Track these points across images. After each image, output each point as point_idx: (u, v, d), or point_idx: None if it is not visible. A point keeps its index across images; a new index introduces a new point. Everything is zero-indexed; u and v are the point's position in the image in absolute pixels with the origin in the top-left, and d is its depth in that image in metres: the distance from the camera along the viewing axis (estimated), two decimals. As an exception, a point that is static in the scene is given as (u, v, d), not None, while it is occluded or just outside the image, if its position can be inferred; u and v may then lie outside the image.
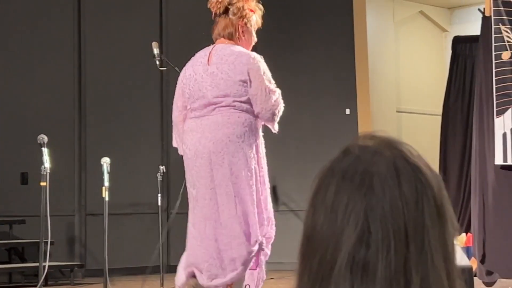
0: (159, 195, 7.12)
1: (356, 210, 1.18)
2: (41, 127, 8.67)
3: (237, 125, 4.87)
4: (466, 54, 9.04)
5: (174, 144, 5.26)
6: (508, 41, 7.42)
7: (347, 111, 9.44)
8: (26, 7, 8.95)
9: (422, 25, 10.54)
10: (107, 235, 6.89)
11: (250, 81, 4.91)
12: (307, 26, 9.43)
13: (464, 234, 8.29)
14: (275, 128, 5.04)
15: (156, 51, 7.58)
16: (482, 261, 7.40)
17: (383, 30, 9.91)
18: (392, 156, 1.22)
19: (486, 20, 7.57)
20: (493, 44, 7.42)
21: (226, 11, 5.07)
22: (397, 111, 9.91)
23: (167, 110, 9.26)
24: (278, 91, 4.97)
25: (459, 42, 9.19)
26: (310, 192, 1.26)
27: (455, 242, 1.26)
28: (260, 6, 5.17)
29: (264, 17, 9.33)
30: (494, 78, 7.38)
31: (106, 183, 6.63)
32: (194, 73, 5.11)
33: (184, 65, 8.24)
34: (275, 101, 4.90)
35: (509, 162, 7.32)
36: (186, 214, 8.75)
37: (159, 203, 7.14)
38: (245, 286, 4.97)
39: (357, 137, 1.30)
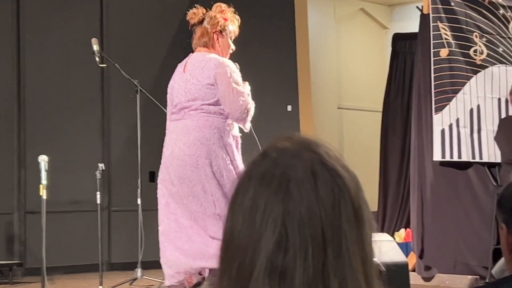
0: (98, 193, 7.06)
1: (274, 215, 1.18)
2: (-21, 124, 8.57)
3: (205, 128, 5.18)
4: (406, 51, 9.10)
5: None
6: (446, 39, 7.51)
7: (289, 108, 9.46)
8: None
9: (363, 22, 10.61)
10: (46, 233, 6.80)
11: (217, 84, 5.23)
12: (248, 23, 9.41)
13: (403, 229, 8.37)
14: (246, 127, 5.33)
15: (95, 47, 7.54)
16: (421, 256, 7.49)
17: (324, 27, 9.95)
18: (310, 159, 1.22)
19: (424, 18, 7.65)
20: (432, 42, 7.50)
21: (201, 21, 5.51)
22: (339, 108, 9.96)
23: (107, 107, 9.19)
24: (247, 92, 5.28)
25: (399, 39, 9.26)
26: (230, 196, 1.26)
27: (373, 244, 1.27)
28: (237, 16, 5.54)
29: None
30: (432, 75, 7.46)
31: (44, 181, 6.55)
32: (174, 82, 5.53)
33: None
34: (243, 101, 5.18)
35: (447, 158, 7.41)
36: (125, 211, 8.80)
37: (98, 201, 7.09)
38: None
39: (276, 139, 1.29)
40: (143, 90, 7.67)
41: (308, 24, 9.62)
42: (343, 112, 10.02)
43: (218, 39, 5.46)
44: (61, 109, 8.88)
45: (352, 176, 1.25)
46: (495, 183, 7.27)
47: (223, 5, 5.53)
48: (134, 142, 7.78)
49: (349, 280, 1.20)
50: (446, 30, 7.51)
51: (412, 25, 8.57)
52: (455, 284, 7.16)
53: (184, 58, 5.61)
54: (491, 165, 7.47)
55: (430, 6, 7.52)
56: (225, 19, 5.44)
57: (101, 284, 6.84)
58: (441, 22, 7.51)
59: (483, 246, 7.00)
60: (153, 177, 8.89)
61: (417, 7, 7.95)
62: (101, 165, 7.13)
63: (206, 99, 5.25)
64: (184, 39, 9.60)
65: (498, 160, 7.34)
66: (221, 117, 5.26)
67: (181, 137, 5.24)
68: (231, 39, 5.51)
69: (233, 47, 5.52)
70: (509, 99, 7.42)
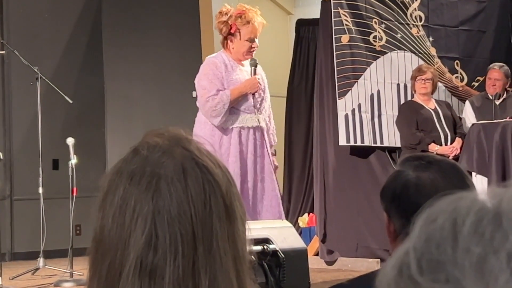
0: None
1: (144, 213, 1.17)
2: None
3: (198, 123, 5.66)
4: (309, 37, 9.16)
5: None
6: (346, 25, 7.60)
7: (194, 94, 9.42)
8: None
9: (266, 8, 10.60)
10: None
11: None
12: (152, 7, 9.36)
13: (307, 214, 8.45)
14: (214, 123, 5.59)
15: (-6, 34, 7.41)
16: (323, 240, 7.59)
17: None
18: (181, 156, 1.21)
19: (325, 4, 7.72)
20: (333, 28, 7.58)
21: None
22: (243, 93, 9.96)
23: (9, 94, 9.03)
24: (219, 98, 5.53)
25: (302, 25, 9.31)
26: (100, 193, 1.24)
27: (246, 239, 1.27)
28: (255, 18, 5.69)
29: (109, 2, 9.22)
30: (335, 61, 7.54)
31: None
32: None
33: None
34: (210, 107, 5.52)
35: (351, 143, 7.51)
36: (28, 200, 8.67)
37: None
38: None
39: (147, 135, 1.29)
40: (44, 77, 7.56)
41: (212, 9, 9.59)
42: (248, 97, 10.02)
43: (232, 41, 5.70)
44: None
45: (224, 172, 1.25)
46: (395, 167, 7.39)
47: (243, 8, 5.72)
48: (35, 130, 7.66)
49: (220, 277, 1.20)
50: (346, 16, 7.60)
51: (315, 11, 8.61)
52: (356, 267, 7.28)
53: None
54: (391, 150, 7.61)
55: (331, -7, 7.59)
56: (233, 24, 5.64)
57: (0, 275, 6.72)
58: (342, 8, 7.59)
59: (384, 229, 7.11)
60: (56, 165, 8.79)
61: (319, -7, 8.01)
62: (0, 154, 6.99)
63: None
64: (87, 25, 9.52)
65: (398, 144, 7.48)
66: None
67: None
68: (249, 40, 5.65)
69: (255, 45, 5.68)
70: (410, 84, 7.55)
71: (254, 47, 5.69)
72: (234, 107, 5.62)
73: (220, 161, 1.27)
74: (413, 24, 7.86)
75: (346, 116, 7.50)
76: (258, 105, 5.69)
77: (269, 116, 5.93)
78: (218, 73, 5.62)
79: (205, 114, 5.62)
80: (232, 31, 5.66)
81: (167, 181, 1.19)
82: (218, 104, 5.52)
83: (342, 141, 7.47)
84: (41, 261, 7.25)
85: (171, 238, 1.16)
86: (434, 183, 2.08)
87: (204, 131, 5.59)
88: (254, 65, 5.71)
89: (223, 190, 1.22)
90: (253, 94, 5.63)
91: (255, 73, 5.69)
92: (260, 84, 5.67)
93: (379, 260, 7.23)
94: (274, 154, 5.93)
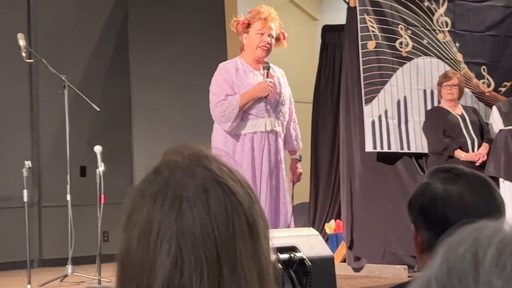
0: (25, 190, 6.99)
1: (168, 236, 1.18)
2: None
3: (214, 130, 5.67)
4: (335, 43, 9.13)
5: None
6: (372, 31, 7.59)
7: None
8: None
9: (292, 14, 10.64)
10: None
11: None
12: (178, 14, 9.39)
13: (333, 221, 8.43)
14: (225, 129, 5.58)
15: (22, 43, 7.45)
16: (350, 247, 7.56)
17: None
18: (202, 176, 1.21)
19: (351, 11, 7.71)
20: (359, 34, 7.57)
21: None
22: (269, 99, 9.96)
23: (36, 102, 9.09)
24: (227, 103, 5.51)
25: (328, 31, 9.28)
26: (123, 215, 1.25)
27: (270, 254, 1.28)
28: (268, 14, 5.68)
29: (135, 6, 9.27)
30: (361, 67, 7.53)
31: (-31, 180, 6.47)
32: None
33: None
34: (218, 113, 5.51)
35: (378, 149, 7.50)
36: (56, 207, 8.72)
37: (25, 199, 7.02)
38: None
39: (167, 153, 1.29)
40: (71, 85, 7.61)
41: (237, 14, 9.61)
42: (274, 103, 10.02)
43: (246, 39, 5.71)
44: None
45: (246, 189, 1.25)
46: (422, 174, 7.37)
47: (257, 9, 5.76)
48: (63, 138, 7.71)
49: (246, 295, 1.21)
50: (372, 22, 7.59)
51: (341, 17, 8.60)
52: (384, 274, 7.26)
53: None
54: (418, 156, 7.59)
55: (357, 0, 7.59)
56: (243, 22, 5.67)
57: (29, 282, 6.76)
58: (368, 14, 7.58)
59: (411, 235, 7.08)
60: (84, 171, 8.84)
61: (344, 0, 8.01)
62: (28, 163, 7.04)
63: None
64: (113, 33, 9.57)
65: (425, 150, 7.45)
66: None
67: None
68: (262, 34, 5.63)
69: (265, 39, 5.63)
70: (437, 90, 7.52)
71: (265, 41, 5.62)
72: (245, 112, 5.56)
73: (241, 177, 1.27)
74: (439, 30, 7.84)
75: (373, 122, 7.48)
76: (272, 109, 5.63)
77: (292, 121, 5.88)
78: (228, 78, 5.60)
79: (215, 119, 5.61)
80: (244, 24, 5.65)
81: (189, 203, 1.19)
82: (226, 109, 5.50)
83: (369, 148, 7.46)
84: (69, 268, 7.28)
85: (196, 260, 1.17)
86: (462, 196, 2.07)
87: (218, 138, 5.60)
88: (266, 68, 5.64)
89: (245, 208, 1.22)
90: (265, 98, 5.57)
91: (267, 76, 5.62)
92: (272, 87, 5.59)
93: (406, 266, 7.21)
94: (299, 160, 5.89)
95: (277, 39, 5.74)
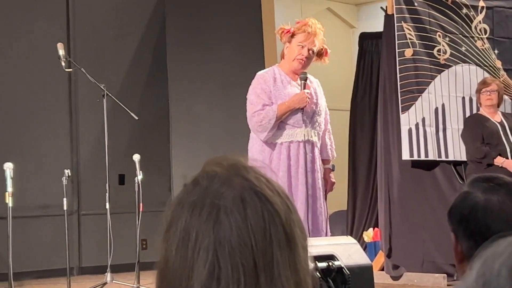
0: (65, 199, 7.06)
1: (205, 245, 1.19)
2: None
3: (251, 139, 5.69)
4: (373, 51, 9.12)
5: None
6: (410, 39, 7.56)
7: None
8: None
9: (330, 22, 10.63)
10: (16, 239, 6.78)
11: None
12: (215, 23, 9.43)
13: (371, 229, 8.40)
14: (261, 138, 5.58)
15: (61, 52, 7.51)
16: (389, 255, 7.53)
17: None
18: (239, 186, 1.22)
19: (388, 18, 7.70)
20: (396, 42, 7.55)
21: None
22: (307, 107, 9.95)
23: (75, 111, 9.16)
24: (264, 113, 5.53)
25: (365, 39, 9.27)
26: (163, 225, 1.26)
27: (308, 266, 1.28)
28: (309, 26, 5.65)
29: (172, 15, 9.32)
30: (398, 75, 7.51)
31: (9, 189, 6.53)
32: None
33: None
34: (255, 122, 5.53)
35: (415, 157, 7.46)
36: (95, 215, 8.78)
37: (65, 207, 7.08)
38: None
39: (207, 163, 1.30)
40: (110, 94, 7.66)
41: (275, 24, 9.63)
42: (312, 111, 10.00)
43: (286, 49, 5.72)
44: (28, 115, 8.84)
45: (284, 199, 1.26)
46: (461, 181, 7.32)
47: (306, 20, 5.76)
48: (102, 146, 7.76)
49: (283, 305, 1.21)
50: (410, 30, 7.56)
51: (379, 24, 8.59)
52: (423, 282, 7.22)
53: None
54: (456, 163, 7.54)
55: (394, 7, 7.57)
56: (288, 31, 5.65)
57: (68, 290, 6.82)
58: (405, 22, 7.56)
59: (450, 243, 7.03)
60: (122, 179, 8.89)
61: (382, 7, 7.99)
62: (67, 171, 7.11)
63: None
64: (151, 42, 9.63)
65: (464, 158, 7.40)
66: None
67: None
68: (302, 47, 5.62)
69: (304, 53, 5.62)
70: (475, 97, 7.48)
71: (303, 55, 5.60)
72: (282, 122, 5.56)
73: (279, 187, 1.27)
74: (477, 37, 7.79)
75: (410, 130, 7.46)
76: (308, 119, 5.62)
77: (327, 131, 5.87)
78: (266, 88, 5.58)
79: (251, 128, 5.61)
80: (288, 33, 5.63)
81: (227, 212, 1.20)
82: (263, 119, 5.50)
83: (405, 156, 7.43)
84: (108, 275, 7.32)
85: (233, 269, 1.18)
86: (503, 206, 2.06)
87: (255, 147, 5.61)
88: (303, 79, 5.61)
89: (282, 218, 1.22)
90: (302, 109, 5.56)
91: (304, 87, 5.61)
92: (309, 98, 5.59)
93: (445, 275, 7.16)
94: (332, 170, 5.88)
95: (319, 55, 5.73)
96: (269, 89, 5.58)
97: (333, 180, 5.82)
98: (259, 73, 5.76)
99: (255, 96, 5.59)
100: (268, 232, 1.20)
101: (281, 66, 5.73)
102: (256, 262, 1.19)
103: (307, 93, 5.59)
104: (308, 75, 5.70)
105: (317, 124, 5.68)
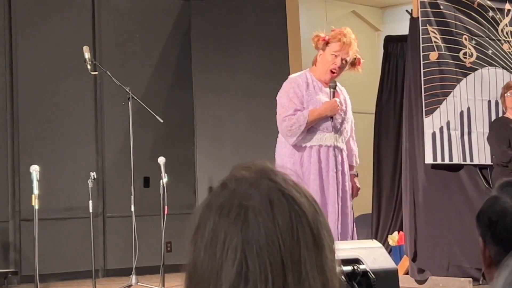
0: (90, 201, 7.10)
1: (233, 245, 1.20)
2: (-28, 133, 8.57)
3: (279, 143, 5.72)
4: (398, 54, 9.08)
5: None
6: (435, 42, 7.53)
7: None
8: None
9: (354, 25, 10.59)
10: (42, 241, 6.84)
11: None
12: (240, 27, 9.45)
13: (396, 232, 8.37)
14: (290, 143, 5.61)
15: (87, 55, 7.56)
16: (414, 259, 7.50)
17: (316, 30, 9.94)
18: (267, 187, 1.24)
19: (414, 21, 7.67)
20: (421, 45, 7.52)
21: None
22: (332, 110, 9.93)
23: (101, 114, 9.21)
24: (295, 119, 5.55)
25: (390, 42, 9.23)
26: (191, 228, 1.28)
27: (335, 267, 1.29)
28: (345, 36, 5.67)
29: (198, 19, 9.35)
30: (422, 78, 7.48)
31: (36, 191, 6.59)
32: None
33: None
34: (285, 126, 5.55)
35: (438, 161, 7.43)
36: (120, 217, 8.83)
37: (90, 210, 7.12)
38: None
39: (235, 168, 1.32)
40: (135, 97, 7.70)
41: (300, 27, 9.64)
42: (337, 115, 9.99)
43: (319, 56, 5.74)
44: (55, 117, 8.90)
45: (311, 201, 1.27)
46: (486, 185, 7.29)
47: (341, 29, 5.77)
48: (127, 149, 7.80)
49: (310, 304, 1.22)
50: (435, 33, 7.53)
51: (404, 27, 8.57)
52: (448, 286, 7.18)
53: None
54: (482, 167, 7.50)
55: (419, 10, 7.54)
56: (323, 39, 5.68)
57: (94, 292, 6.85)
58: (431, 25, 7.53)
59: (476, 247, 6.98)
60: (147, 182, 8.93)
61: (407, 10, 7.97)
62: (93, 174, 7.15)
63: None
64: (176, 45, 9.67)
65: (489, 162, 7.36)
66: None
67: None
68: (336, 56, 5.64)
69: (337, 62, 5.64)
70: (500, 101, 7.44)
71: (336, 64, 5.63)
72: (312, 126, 5.59)
73: (306, 190, 1.29)
74: (504, 40, 7.75)
75: (434, 134, 7.43)
76: (338, 126, 5.67)
77: (351, 137, 5.90)
78: (298, 92, 5.62)
79: (281, 132, 5.64)
80: (323, 40, 5.66)
81: (255, 212, 1.21)
82: (294, 124, 5.53)
83: (429, 159, 7.40)
84: (133, 278, 7.36)
85: (260, 268, 1.19)
86: None
87: (284, 150, 5.63)
88: (333, 87, 5.66)
89: (309, 219, 1.24)
90: (332, 116, 5.61)
91: (333, 96, 5.66)
92: (339, 106, 5.64)
93: (471, 279, 7.12)
94: (356, 176, 5.89)
95: (353, 64, 5.75)
96: (301, 93, 5.62)
97: (358, 185, 5.84)
98: (291, 76, 5.81)
99: (287, 99, 5.62)
100: (295, 232, 1.22)
101: (313, 71, 5.75)
102: (284, 262, 1.20)
103: (338, 101, 5.62)
104: (337, 83, 5.74)
105: (345, 131, 5.74)
